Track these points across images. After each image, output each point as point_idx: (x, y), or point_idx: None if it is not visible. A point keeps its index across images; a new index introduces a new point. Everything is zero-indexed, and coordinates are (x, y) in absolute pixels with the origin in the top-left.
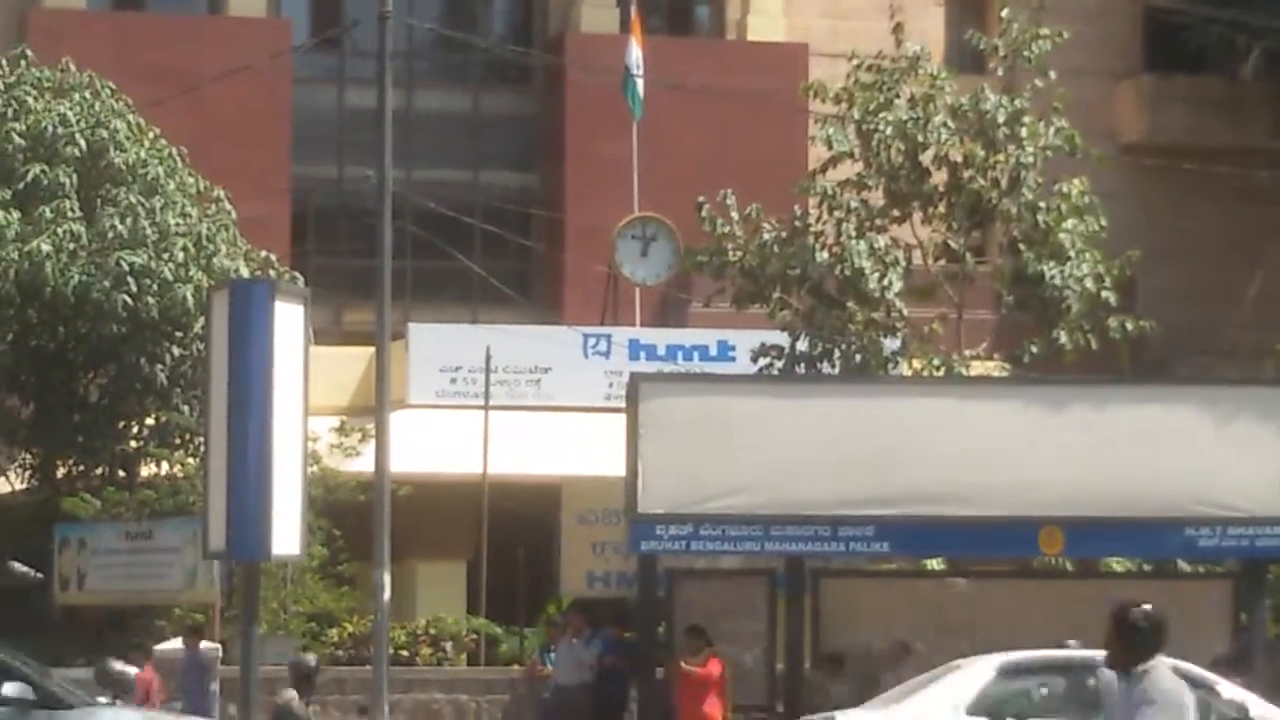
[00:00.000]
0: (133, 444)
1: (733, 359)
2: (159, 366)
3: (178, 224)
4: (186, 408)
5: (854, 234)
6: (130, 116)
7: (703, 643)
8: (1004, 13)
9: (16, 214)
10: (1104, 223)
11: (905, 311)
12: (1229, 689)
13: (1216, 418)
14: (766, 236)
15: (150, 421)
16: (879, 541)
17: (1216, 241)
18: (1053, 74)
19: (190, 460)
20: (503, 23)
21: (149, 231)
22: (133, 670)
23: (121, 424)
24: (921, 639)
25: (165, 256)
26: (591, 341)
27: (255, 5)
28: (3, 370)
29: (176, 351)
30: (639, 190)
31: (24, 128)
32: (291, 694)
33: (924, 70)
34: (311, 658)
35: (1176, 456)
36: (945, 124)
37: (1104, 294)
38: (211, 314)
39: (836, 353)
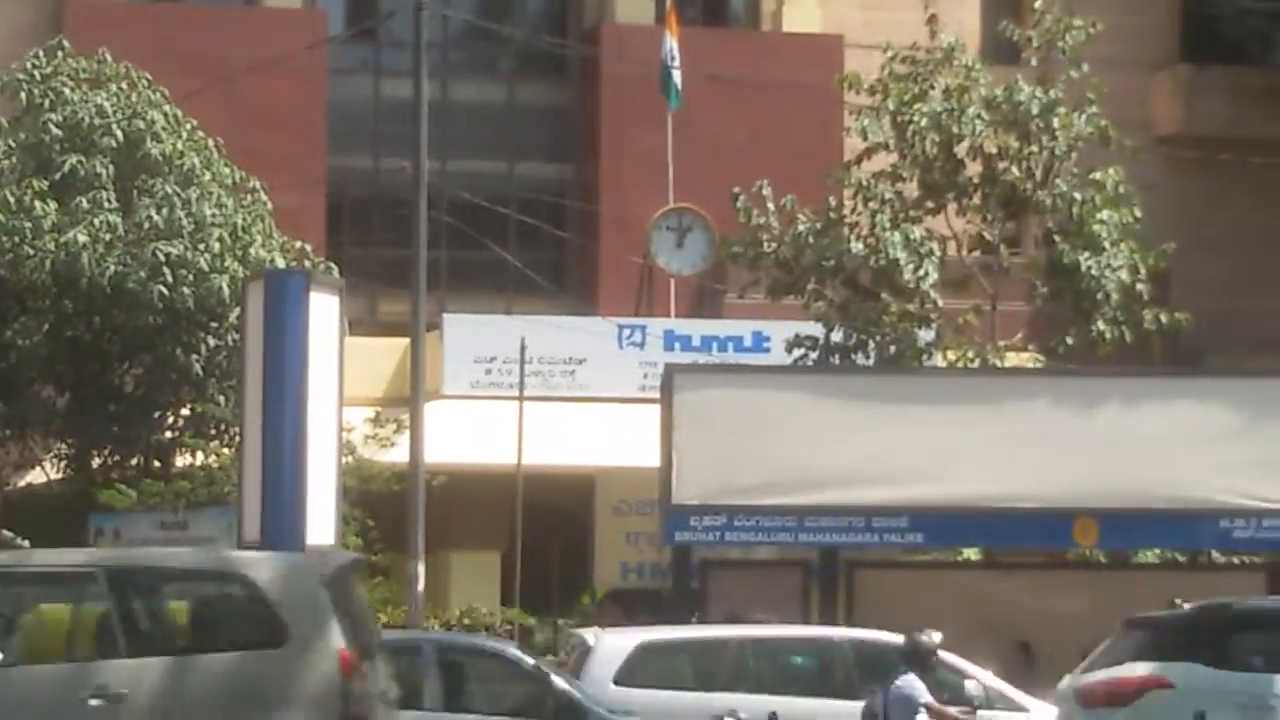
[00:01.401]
0: (168, 434)
1: (767, 350)
2: (194, 357)
3: (214, 214)
4: (222, 398)
5: (888, 225)
6: (167, 107)
7: None
8: (1038, 4)
9: (53, 204)
10: (1139, 214)
11: (940, 303)
12: None
13: (1252, 410)
14: (801, 228)
15: (186, 412)
16: (913, 533)
17: (1252, 233)
18: (1085, 65)
19: (225, 451)
20: (537, 13)
21: (185, 222)
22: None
23: (157, 414)
24: (954, 631)
25: (201, 247)
26: (626, 332)
27: None
28: (38, 360)
29: (212, 342)
30: (674, 181)
31: (61, 118)
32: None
33: (958, 62)
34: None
35: (1211, 448)
36: (979, 115)
37: (1139, 286)
38: (247, 304)
39: (871, 344)
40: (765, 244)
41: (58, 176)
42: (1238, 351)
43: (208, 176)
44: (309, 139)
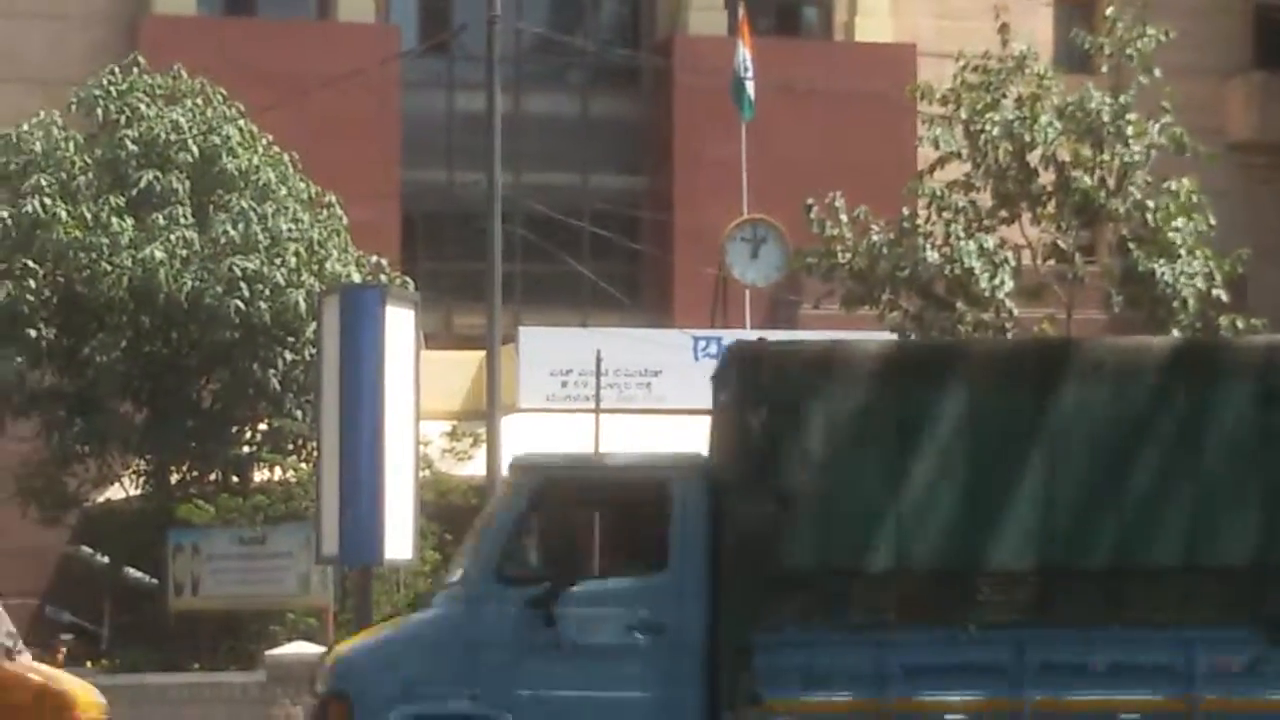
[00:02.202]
0: (246, 449)
1: None
2: (271, 371)
3: (289, 229)
4: (299, 413)
5: (963, 234)
6: (241, 122)
7: None
8: (1109, 11)
9: (130, 221)
10: (1213, 221)
11: (1015, 312)
12: None
13: None
14: (875, 238)
15: (263, 427)
16: None
17: None
18: (1158, 72)
19: (303, 465)
20: (610, 26)
21: (261, 237)
22: None
23: (234, 429)
24: None
25: (277, 262)
26: (702, 344)
27: (364, 11)
28: (116, 377)
29: (289, 356)
30: (748, 192)
31: (137, 135)
32: None
33: (1031, 70)
34: None
35: None
36: (1052, 124)
37: (1214, 292)
38: (323, 319)
39: None
40: (839, 254)
41: (134, 192)
42: None
43: (283, 191)
44: (383, 153)
